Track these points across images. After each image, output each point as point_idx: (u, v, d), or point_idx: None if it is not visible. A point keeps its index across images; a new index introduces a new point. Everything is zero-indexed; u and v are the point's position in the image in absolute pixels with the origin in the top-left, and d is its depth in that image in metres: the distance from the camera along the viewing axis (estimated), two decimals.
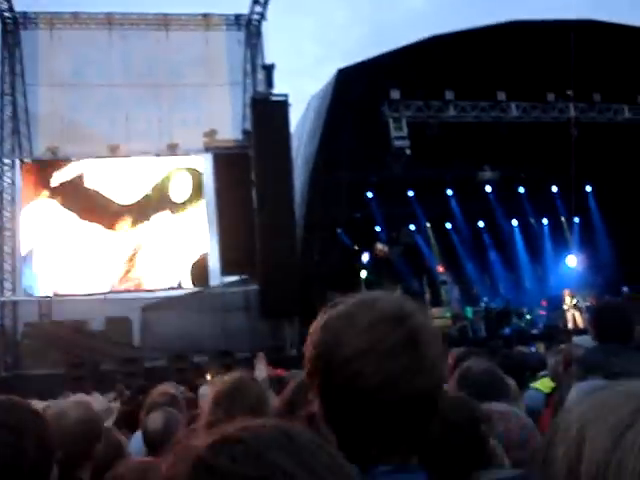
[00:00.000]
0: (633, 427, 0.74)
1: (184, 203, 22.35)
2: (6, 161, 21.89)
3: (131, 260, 21.86)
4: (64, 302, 21.63)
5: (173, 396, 4.46)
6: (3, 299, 21.09)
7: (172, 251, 22.07)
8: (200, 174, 22.36)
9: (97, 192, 21.81)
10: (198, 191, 22.40)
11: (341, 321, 1.34)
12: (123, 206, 21.90)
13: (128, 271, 21.81)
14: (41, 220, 21.35)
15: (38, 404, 3.29)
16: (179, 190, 22.32)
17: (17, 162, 21.95)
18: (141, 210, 22.04)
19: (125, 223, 21.91)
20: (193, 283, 22.14)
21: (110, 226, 21.72)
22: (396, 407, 1.27)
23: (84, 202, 21.66)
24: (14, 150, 21.99)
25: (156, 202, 22.18)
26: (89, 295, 21.57)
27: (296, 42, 73.04)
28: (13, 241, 21.38)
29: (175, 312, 21.66)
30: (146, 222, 22.00)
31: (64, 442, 2.62)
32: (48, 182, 21.67)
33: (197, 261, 22.05)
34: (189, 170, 22.46)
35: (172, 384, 5.04)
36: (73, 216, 21.51)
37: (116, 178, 21.98)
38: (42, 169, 21.92)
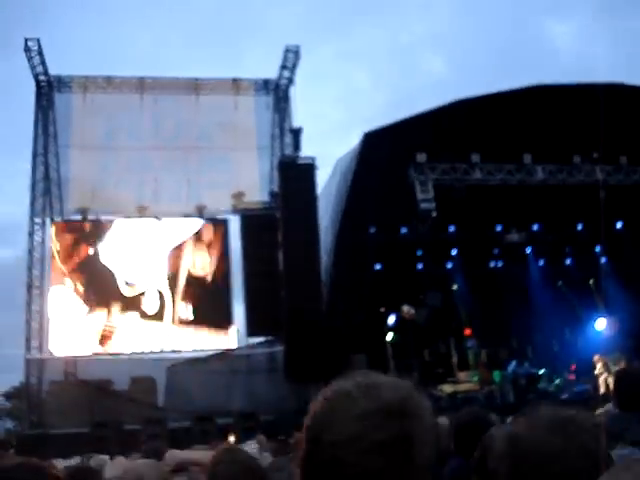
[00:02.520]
0: None
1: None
2: (37, 220, 22.22)
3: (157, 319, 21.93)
4: (89, 361, 21.67)
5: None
6: (29, 357, 21.14)
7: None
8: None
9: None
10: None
11: (336, 403, 1.28)
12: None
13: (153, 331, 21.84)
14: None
15: (61, 463, 3.30)
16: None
17: (48, 221, 22.28)
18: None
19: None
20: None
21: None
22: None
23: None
24: (45, 210, 22.34)
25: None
26: (114, 354, 21.60)
27: (319, 107, 74.15)
28: (41, 299, 21.55)
29: (200, 373, 21.59)
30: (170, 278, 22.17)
31: None
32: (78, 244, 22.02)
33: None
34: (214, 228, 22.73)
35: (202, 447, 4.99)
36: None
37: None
38: (71, 230, 22.25)
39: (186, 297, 22.22)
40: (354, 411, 1.25)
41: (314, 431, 1.28)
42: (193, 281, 22.41)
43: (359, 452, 1.20)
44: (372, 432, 1.21)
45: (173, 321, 22.01)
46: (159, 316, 21.97)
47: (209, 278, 22.55)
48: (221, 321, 22.23)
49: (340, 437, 1.22)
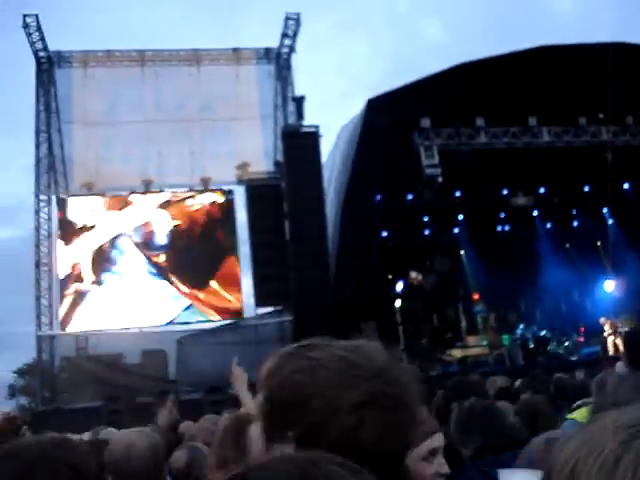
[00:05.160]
0: (621, 461, 0.72)
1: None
2: (42, 197, 22.22)
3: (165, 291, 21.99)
4: (101, 336, 21.79)
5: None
6: (40, 333, 21.27)
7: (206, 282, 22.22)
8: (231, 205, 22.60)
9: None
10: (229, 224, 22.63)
11: (306, 372, 1.30)
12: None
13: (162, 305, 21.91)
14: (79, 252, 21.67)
15: (74, 438, 3.30)
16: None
17: (53, 198, 22.28)
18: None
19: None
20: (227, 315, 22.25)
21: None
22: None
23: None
24: (50, 186, 22.33)
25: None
26: (125, 329, 21.70)
27: (320, 77, 73.86)
28: (50, 276, 21.63)
29: (210, 345, 21.70)
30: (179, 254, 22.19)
31: (136, 471, 2.64)
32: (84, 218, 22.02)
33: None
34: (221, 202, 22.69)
35: (211, 417, 5.00)
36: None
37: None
38: (77, 205, 22.23)
39: (193, 268, 22.25)
40: (329, 373, 1.27)
41: (279, 392, 1.28)
42: (200, 251, 22.42)
43: (333, 411, 1.22)
44: (347, 391, 1.23)
45: (182, 292, 22.07)
46: (167, 288, 22.02)
47: (218, 248, 22.56)
48: (231, 291, 22.32)
49: (321, 403, 1.24)
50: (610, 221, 25.60)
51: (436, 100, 19.10)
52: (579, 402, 5.71)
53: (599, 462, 0.73)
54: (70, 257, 21.68)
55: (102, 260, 21.89)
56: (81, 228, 21.89)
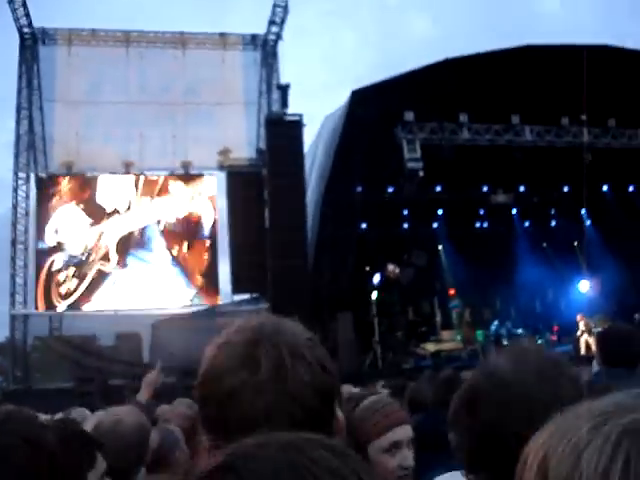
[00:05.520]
0: (589, 446, 0.73)
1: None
2: (21, 175, 22.03)
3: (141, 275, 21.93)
4: (75, 317, 21.68)
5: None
6: (14, 312, 21.12)
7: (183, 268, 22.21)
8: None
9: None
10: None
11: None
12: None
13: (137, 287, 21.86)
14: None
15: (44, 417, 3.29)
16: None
17: (32, 176, 22.09)
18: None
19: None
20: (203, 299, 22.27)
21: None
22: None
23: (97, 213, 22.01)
24: (29, 164, 22.13)
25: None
26: (100, 311, 21.61)
27: (305, 66, 73.70)
28: (26, 255, 21.47)
29: (185, 329, 21.63)
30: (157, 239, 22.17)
31: (122, 448, 2.64)
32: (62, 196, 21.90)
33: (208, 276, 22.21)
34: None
35: (185, 401, 5.00)
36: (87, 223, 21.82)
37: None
38: (55, 184, 22.09)
39: (173, 252, 22.26)
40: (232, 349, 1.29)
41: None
42: (178, 236, 22.43)
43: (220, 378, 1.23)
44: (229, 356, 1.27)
45: (159, 276, 22.03)
46: (144, 271, 21.97)
47: (197, 234, 22.57)
48: (208, 276, 22.38)
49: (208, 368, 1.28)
50: (588, 222, 25.81)
51: (420, 94, 19.13)
52: None
53: (568, 449, 0.74)
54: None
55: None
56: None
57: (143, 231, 22.21)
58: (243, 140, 23.05)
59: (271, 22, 23.28)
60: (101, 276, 21.68)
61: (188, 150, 22.48)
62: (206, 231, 22.71)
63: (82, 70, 22.44)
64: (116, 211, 22.07)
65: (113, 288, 21.66)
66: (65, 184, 22.06)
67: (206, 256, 22.55)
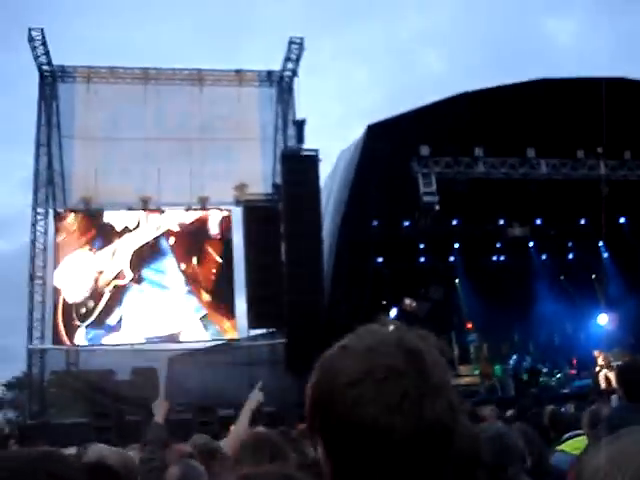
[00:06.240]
0: None
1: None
2: (40, 210, 22.21)
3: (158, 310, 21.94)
4: (91, 352, 21.71)
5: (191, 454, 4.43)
6: (31, 347, 21.17)
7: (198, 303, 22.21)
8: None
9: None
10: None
11: (337, 352, 1.28)
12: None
13: (155, 323, 21.85)
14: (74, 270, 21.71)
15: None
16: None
17: (50, 212, 22.28)
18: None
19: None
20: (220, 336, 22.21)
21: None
22: (403, 439, 1.14)
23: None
24: (48, 200, 22.33)
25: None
26: (116, 345, 21.63)
27: (319, 102, 74.31)
28: (43, 289, 21.58)
29: (202, 364, 21.62)
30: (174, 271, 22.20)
31: None
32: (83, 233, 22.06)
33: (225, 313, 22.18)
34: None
35: (200, 436, 5.00)
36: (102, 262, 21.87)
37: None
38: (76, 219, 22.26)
39: (192, 287, 22.28)
40: (357, 350, 1.24)
41: (323, 388, 1.25)
42: (195, 272, 22.45)
43: (374, 385, 1.17)
44: (381, 363, 1.19)
45: (177, 309, 22.03)
46: (162, 305, 21.99)
47: (213, 269, 22.56)
48: (224, 312, 22.31)
49: (351, 377, 1.19)
50: (605, 254, 25.67)
51: (436, 128, 19.20)
52: (568, 434, 5.73)
53: (629, 475, 0.75)
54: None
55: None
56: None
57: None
58: (259, 175, 23.17)
59: (287, 59, 23.52)
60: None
61: (205, 185, 22.62)
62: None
63: (100, 107, 22.70)
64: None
65: (128, 313, 21.65)
66: (74, 219, 22.26)
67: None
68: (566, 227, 24.74)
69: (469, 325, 25.40)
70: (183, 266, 22.31)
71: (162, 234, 22.43)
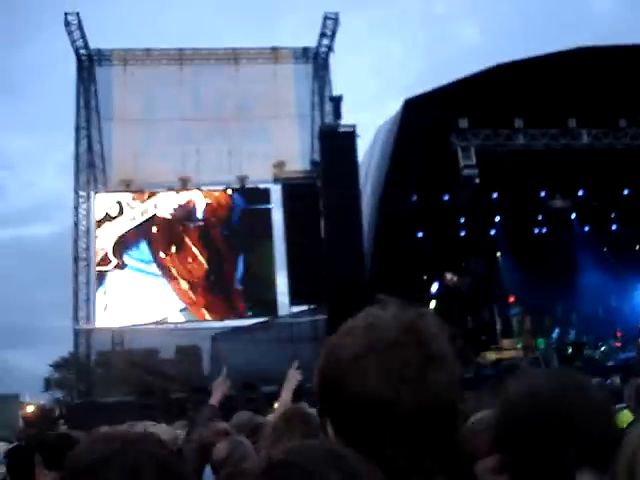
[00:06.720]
0: None
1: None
2: (81, 193, 22.49)
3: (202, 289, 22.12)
4: (136, 331, 22.00)
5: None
6: (77, 327, 21.52)
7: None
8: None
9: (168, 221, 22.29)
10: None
11: (342, 330, 1.30)
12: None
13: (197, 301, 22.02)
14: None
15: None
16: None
17: (92, 194, 22.54)
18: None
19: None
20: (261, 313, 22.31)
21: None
22: (409, 410, 1.18)
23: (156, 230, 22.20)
24: (89, 182, 22.59)
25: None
26: (160, 324, 21.88)
27: (355, 77, 73.85)
28: (88, 271, 21.89)
29: (244, 342, 21.81)
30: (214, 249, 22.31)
31: None
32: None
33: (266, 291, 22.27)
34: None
35: (244, 412, 5.05)
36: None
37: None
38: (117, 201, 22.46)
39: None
40: (360, 326, 1.27)
41: (330, 363, 1.27)
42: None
43: (377, 358, 1.21)
44: (382, 336, 1.23)
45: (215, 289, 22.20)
46: (205, 284, 22.16)
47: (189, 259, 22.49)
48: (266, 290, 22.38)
49: (355, 351, 1.22)
50: None
51: (474, 101, 19.00)
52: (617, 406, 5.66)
53: None
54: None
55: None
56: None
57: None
58: (297, 152, 23.17)
59: (322, 34, 23.39)
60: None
61: (243, 164, 22.68)
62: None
63: (137, 89, 22.85)
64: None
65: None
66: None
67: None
68: (609, 198, 24.34)
69: (511, 298, 25.19)
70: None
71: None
